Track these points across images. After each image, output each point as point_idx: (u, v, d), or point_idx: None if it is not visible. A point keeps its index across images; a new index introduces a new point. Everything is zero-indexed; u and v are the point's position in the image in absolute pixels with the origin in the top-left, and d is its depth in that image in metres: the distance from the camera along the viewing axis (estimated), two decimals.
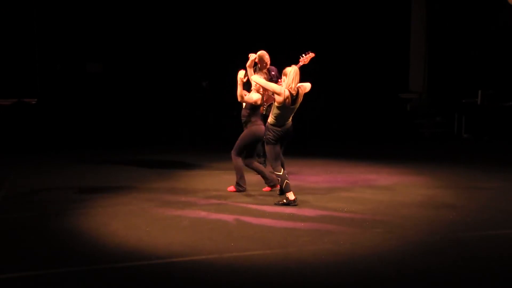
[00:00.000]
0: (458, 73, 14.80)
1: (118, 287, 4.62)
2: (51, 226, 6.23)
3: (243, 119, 7.67)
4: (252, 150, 7.75)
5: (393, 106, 14.96)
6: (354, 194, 7.77)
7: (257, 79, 7.14)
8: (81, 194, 7.75)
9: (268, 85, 7.01)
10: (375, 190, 8.03)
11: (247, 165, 7.77)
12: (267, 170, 7.86)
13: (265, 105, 7.80)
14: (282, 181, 7.01)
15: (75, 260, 5.12)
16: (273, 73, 8.30)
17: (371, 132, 13.99)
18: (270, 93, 7.17)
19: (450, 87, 14.91)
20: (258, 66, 8.18)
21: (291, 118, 7.01)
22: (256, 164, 7.83)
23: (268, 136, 7.00)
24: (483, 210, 6.90)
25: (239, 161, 7.70)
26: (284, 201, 7.04)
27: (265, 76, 7.47)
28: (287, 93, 6.76)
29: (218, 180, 8.69)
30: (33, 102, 13.59)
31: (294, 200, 7.00)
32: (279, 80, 7.36)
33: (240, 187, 7.80)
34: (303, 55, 8.02)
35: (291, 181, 7.25)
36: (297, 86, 6.83)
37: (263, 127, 7.37)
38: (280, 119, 6.91)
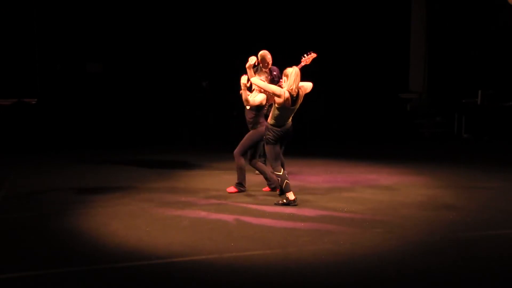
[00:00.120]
0: (458, 73, 14.80)
1: (118, 287, 4.62)
2: (51, 226, 6.23)
3: (250, 120, 7.59)
4: (256, 150, 7.74)
5: (393, 106, 14.95)
6: (354, 194, 7.78)
7: (257, 81, 7.08)
8: (81, 194, 7.76)
9: (268, 87, 6.97)
10: (375, 190, 8.03)
11: (251, 165, 7.76)
12: (270, 171, 7.84)
13: (266, 105, 7.79)
14: (282, 181, 7.01)
15: (75, 260, 5.12)
16: (274, 73, 8.27)
17: (371, 132, 13.99)
18: (270, 94, 7.16)
19: (450, 87, 14.90)
20: (259, 66, 8.14)
21: (291, 118, 7.01)
22: (260, 164, 7.80)
23: (268, 136, 7.00)
24: (483, 210, 6.90)
25: (242, 161, 7.69)
26: (284, 201, 7.04)
27: (266, 76, 7.45)
28: (287, 95, 6.75)
29: (218, 180, 8.69)
30: (33, 102, 13.59)
31: (294, 200, 7.00)
32: (281, 80, 7.35)
33: (242, 187, 7.78)
34: (305, 55, 7.99)
35: (291, 181, 7.25)
36: (298, 87, 6.83)
37: None
38: (280, 120, 6.91)
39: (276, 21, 14.38)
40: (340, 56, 14.73)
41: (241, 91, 7.28)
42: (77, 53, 14.38)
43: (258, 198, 7.51)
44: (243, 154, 7.68)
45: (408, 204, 7.15)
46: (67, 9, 14.11)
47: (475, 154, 11.93)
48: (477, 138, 13.64)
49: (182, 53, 14.52)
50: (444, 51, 15.18)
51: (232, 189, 7.79)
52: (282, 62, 7.93)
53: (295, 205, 6.97)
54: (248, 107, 7.54)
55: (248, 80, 7.23)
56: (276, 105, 6.85)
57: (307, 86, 7.04)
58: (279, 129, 6.93)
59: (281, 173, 7.02)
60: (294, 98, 6.82)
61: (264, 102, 7.45)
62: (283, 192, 7.13)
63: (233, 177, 8.25)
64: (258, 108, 7.49)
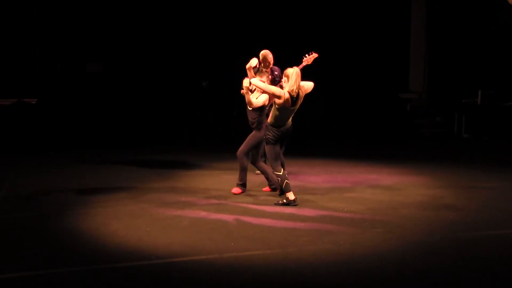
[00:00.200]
0: (458, 73, 14.79)
1: (118, 287, 4.62)
2: (51, 226, 6.23)
3: (253, 121, 7.56)
4: (258, 151, 7.72)
5: (393, 106, 14.95)
6: (354, 194, 7.78)
7: (257, 82, 7.01)
8: (81, 194, 7.76)
9: (268, 88, 6.94)
10: (375, 190, 8.03)
11: (254, 165, 7.76)
12: (271, 171, 7.82)
13: (268, 105, 7.78)
14: (282, 181, 7.01)
15: (75, 260, 5.12)
16: (276, 73, 8.24)
17: (371, 132, 13.98)
18: (270, 94, 7.14)
19: (450, 87, 14.90)
20: (260, 66, 8.10)
21: (291, 118, 7.01)
22: (262, 164, 7.78)
23: (268, 136, 7.00)
24: (483, 210, 6.90)
25: (245, 161, 7.67)
26: (284, 201, 7.04)
27: (267, 76, 7.43)
28: (287, 96, 6.75)
29: (218, 180, 8.69)
30: (33, 102, 13.59)
31: (294, 200, 7.00)
32: (282, 80, 7.33)
33: (244, 187, 7.77)
34: (306, 55, 7.96)
35: (291, 181, 7.25)
36: (298, 87, 6.82)
37: None
38: (279, 120, 6.91)
39: (276, 21, 14.38)
40: (340, 56, 14.73)
41: (242, 91, 7.27)
42: (77, 53, 14.38)
43: (258, 198, 7.51)
44: (247, 154, 7.65)
45: (408, 204, 7.15)
46: (67, 9, 14.12)
47: (475, 154, 11.92)
48: (477, 138, 13.64)
49: (182, 53, 14.52)
50: (444, 51, 15.18)
51: (237, 190, 7.75)
52: (282, 62, 7.92)
53: (295, 205, 6.97)
54: (250, 108, 7.52)
55: (251, 82, 7.21)
56: (276, 105, 6.85)
57: (309, 86, 7.03)
58: (279, 129, 6.93)
59: (281, 173, 7.02)
60: (294, 99, 6.81)
61: (267, 102, 7.44)
62: (283, 192, 7.13)
63: (233, 177, 8.26)
64: (260, 108, 7.47)
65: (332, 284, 4.61)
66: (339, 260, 5.12)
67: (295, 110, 6.96)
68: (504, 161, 10.55)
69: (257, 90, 7.41)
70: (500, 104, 13.57)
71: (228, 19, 14.51)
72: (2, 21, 13.85)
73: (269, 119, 6.99)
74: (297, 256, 5.23)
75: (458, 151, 12.54)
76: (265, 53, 8.08)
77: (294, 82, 6.75)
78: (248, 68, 7.59)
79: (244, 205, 7.11)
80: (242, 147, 7.61)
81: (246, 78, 7.24)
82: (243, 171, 7.70)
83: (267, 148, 7.07)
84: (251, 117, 7.59)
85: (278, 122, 6.92)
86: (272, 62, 8.15)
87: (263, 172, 7.75)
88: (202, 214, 6.68)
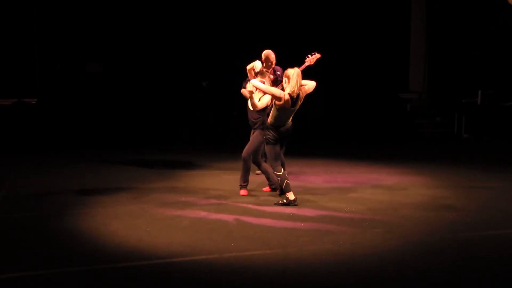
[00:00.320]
0: (458, 73, 14.79)
1: (118, 287, 4.62)
2: (51, 226, 6.23)
3: (255, 121, 7.54)
4: (259, 150, 7.71)
5: (393, 106, 14.95)
6: (354, 194, 7.78)
7: (257, 83, 6.94)
8: (81, 194, 7.75)
9: (268, 89, 6.90)
10: (375, 190, 8.03)
11: (256, 165, 7.75)
12: (272, 171, 7.80)
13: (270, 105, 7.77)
14: (282, 181, 7.01)
15: (75, 260, 5.12)
16: (278, 73, 8.19)
17: (371, 132, 13.99)
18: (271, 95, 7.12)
19: (450, 87, 14.90)
20: (263, 65, 8.04)
21: (291, 118, 7.00)
22: (264, 164, 7.76)
23: (268, 136, 6.99)
24: (483, 210, 6.90)
25: (250, 163, 7.65)
26: (284, 201, 7.04)
27: (268, 76, 7.40)
28: (287, 97, 6.74)
29: (218, 180, 8.69)
30: (33, 102, 13.59)
31: (294, 200, 7.00)
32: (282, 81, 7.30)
33: (245, 184, 7.72)
34: (309, 55, 7.94)
35: (291, 181, 7.25)
36: (299, 89, 6.81)
37: None
38: (279, 120, 6.90)
39: (276, 21, 14.38)
40: (340, 56, 14.72)
41: (242, 90, 7.24)
42: (77, 53, 14.38)
43: (258, 198, 7.51)
44: (251, 155, 7.61)
45: (408, 204, 7.15)
46: (67, 9, 14.12)
47: (475, 154, 11.93)
48: (477, 138, 13.64)
49: (182, 53, 14.52)
50: (444, 51, 15.17)
51: (244, 191, 7.68)
52: (283, 62, 7.91)
53: (295, 205, 6.97)
54: (252, 109, 7.50)
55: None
56: (276, 105, 6.84)
57: (311, 85, 7.01)
58: (279, 129, 6.93)
59: (281, 173, 7.02)
60: (294, 100, 6.80)
61: (269, 102, 7.42)
62: (283, 192, 7.13)
63: (233, 177, 8.28)
64: (263, 108, 7.46)
65: (332, 284, 4.61)
66: (339, 260, 5.12)
67: (295, 110, 6.96)
68: (504, 161, 10.55)
69: (258, 91, 7.40)
70: (500, 104, 13.57)
71: (228, 19, 14.51)
72: (2, 21, 13.85)
73: (269, 119, 6.99)
74: (297, 256, 5.23)
75: (458, 151, 12.55)
76: (268, 53, 8.05)
77: (295, 83, 6.74)
78: (249, 70, 7.55)
79: (244, 205, 7.11)
80: (247, 148, 7.56)
81: (249, 82, 7.21)
82: (247, 172, 7.68)
83: (267, 148, 7.07)
84: (253, 117, 7.57)
85: (278, 122, 6.91)
86: (274, 62, 8.10)
87: (264, 172, 7.74)
88: (202, 214, 6.68)
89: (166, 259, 5.14)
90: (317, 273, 4.80)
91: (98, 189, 8.10)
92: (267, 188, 7.87)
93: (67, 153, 11.89)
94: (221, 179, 8.76)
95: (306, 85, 6.98)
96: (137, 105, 13.95)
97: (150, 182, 8.59)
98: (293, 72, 6.78)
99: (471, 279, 4.72)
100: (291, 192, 7.02)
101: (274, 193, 7.64)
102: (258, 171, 8.66)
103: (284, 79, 6.84)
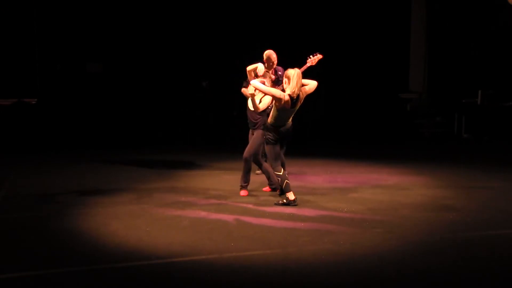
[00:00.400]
0: (458, 73, 14.80)
1: (118, 287, 4.62)
2: (51, 226, 6.23)
3: (255, 122, 7.53)
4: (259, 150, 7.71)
5: (393, 106, 14.96)
6: (354, 194, 7.78)
7: (257, 84, 6.91)
8: (81, 194, 7.75)
9: (268, 90, 6.88)
10: (375, 190, 8.03)
11: (256, 164, 7.75)
12: (272, 171, 7.79)
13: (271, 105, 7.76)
14: (282, 181, 7.01)
15: (75, 260, 5.12)
16: (279, 73, 8.18)
17: (371, 132, 13.99)
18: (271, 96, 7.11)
19: (450, 87, 14.90)
20: (264, 66, 8.01)
21: (291, 118, 7.00)
22: (265, 164, 7.76)
23: (268, 136, 6.99)
24: (483, 210, 6.90)
25: (251, 162, 7.63)
26: (284, 201, 7.04)
27: (269, 76, 7.39)
28: (287, 98, 6.73)
29: (218, 180, 8.69)
30: (33, 102, 13.60)
31: (294, 200, 7.00)
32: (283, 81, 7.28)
33: (246, 184, 7.72)
34: (311, 56, 7.92)
35: (291, 181, 7.25)
36: (299, 89, 6.80)
37: None
38: (279, 120, 6.90)
39: (276, 21, 14.38)
40: (341, 56, 14.73)
41: (243, 89, 7.22)
42: (77, 53, 14.39)
43: (258, 198, 7.51)
44: (253, 155, 7.60)
45: (408, 204, 7.15)
46: (67, 9, 14.12)
47: (475, 154, 11.93)
48: (477, 138, 13.64)
49: (182, 53, 14.52)
50: (444, 51, 15.18)
51: (245, 192, 7.68)
52: (282, 62, 7.90)
53: (295, 205, 6.97)
54: (252, 108, 7.49)
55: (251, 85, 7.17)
56: (275, 106, 6.84)
57: (312, 85, 6.99)
58: (279, 129, 6.93)
59: (281, 173, 7.02)
60: (294, 100, 6.80)
61: (270, 104, 7.40)
62: (283, 192, 7.13)
63: (233, 177, 8.27)
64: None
65: (332, 284, 4.61)
66: (339, 260, 5.12)
67: (295, 111, 6.95)
68: (504, 161, 10.55)
69: (258, 91, 7.39)
70: (500, 104, 13.57)
71: (228, 19, 14.51)
72: (2, 21, 13.85)
73: (269, 119, 6.98)
74: (297, 256, 5.23)
75: (458, 151, 12.55)
76: (269, 53, 8.02)
77: (296, 84, 6.73)
78: (249, 71, 7.50)
79: (244, 205, 7.11)
80: (248, 148, 7.56)
81: (250, 86, 7.18)
82: (248, 173, 7.67)
83: (267, 148, 7.07)
84: (253, 117, 7.57)
85: (278, 122, 6.91)
86: (276, 62, 8.07)
87: (265, 172, 7.73)
88: (202, 214, 6.68)
89: (166, 259, 5.14)
90: (317, 273, 4.80)
91: (98, 189, 8.10)
92: (267, 188, 7.87)
93: (67, 153, 11.89)
94: (221, 179, 8.76)
95: (307, 85, 6.98)
96: (137, 105, 13.95)
97: (150, 182, 8.59)
98: (294, 73, 6.77)
99: (471, 279, 4.72)
100: (291, 192, 7.02)
101: (274, 193, 7.64)
102: (258, 171, 8.67)
103: (285, 79, 6.84)
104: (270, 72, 7.77)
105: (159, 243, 5.56)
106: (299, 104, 6.90)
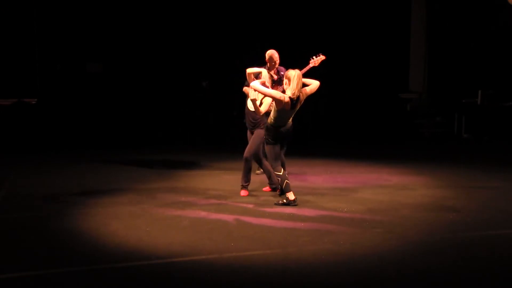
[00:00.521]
0: (458, 73, 14.80)
1: (118, 287, 4.62)
2: (51, 226, 6.23)
3: (255, 122, 7.52)
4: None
5: (393, 106, 14.96)
6: (354, 194, 7.77)
7: (257, 86, 6.88)
8: (81, 194, 7.75)
9: (268, 91, 6.84)
10: (375, 190, 8.03)
11: (258, 164, 7.73)
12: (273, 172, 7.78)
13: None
14: (282, 181, 7.01)
15: (75, 260, 5.12)
16: (282, 73, 8.15)
17: (371, 132, 13.99)
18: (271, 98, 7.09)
19: (450, 87, 14.90)
20: (266, 66, 7.99)
21: (291, 118, 7.00)
22: (266, 163, 7.74)
23: (268, 136, 6.99)
24: (483, 210, 6.90)
25: (251, 162, 7.63)
26: (284, 201, 7.04)
27: (269, 77, 7.37)
28: (287, 99, 6.73)
29: (218, 180, 8.69)
30: (33, 102, 13.60)
31: (294, 200, 7.00)
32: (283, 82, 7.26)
33: (246, 184, 7.71)
34: (314, 57, 7.90)
35: (291, 181, 7.25)
36: (299, 91, 6.79)
37: None
38: (279, 120, 6.89)
39: (276, 21, 14.38)
40: (341, 56, 14.72)
41: (244, 89, 7.20)
42: (77, 53, 14.39)
43: (258, 198, 7.51)
44: (253, 155, 7.59)
45: (408, 204, 7.15)
46: (67, 9, 14.12)
47: (475, 154, 11.93)
48: (477, 138, 13.64)
49: (182, 53, 14.52)
50: (444, 51, 15.18)
51: (245, 192, 7.67)
52: (282, 62, 7.90)
53: (295, 205, 6.97)
54: (251, 108, 7.48)
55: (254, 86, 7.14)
56: (275, 107, 6.83)
57: (314, 86, 6.98)
58: (279, 129, 6.92)
59: (281, 173, 7.02)
60: (294, 102, 6.79)
61: (271, 105, 7.38)
62: (283, 192, 7.13)
63: (233, 177, 8.27)
64: None
65: (332, 284, 4.61)
66: (339, 260, 5.12)
67: (295, 111, 6.95)
68: (504, 161, 10.55)
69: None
70: (500, 104, 13.57)
71: (228, 19, 14.51)
72: (2, 21, 13.85)
73: (269, 120, 6.98)
74: (297, 256, 5.23)
75: (458, 151, 12.55)
76: (271, 52, 7.97)
77: (296, 85, 6.73)
78: (248, 74, 7.46)
79: (244, 205, 7.11)
80: (249, 148, 7.55)
81: (251, 91, 7.13)
82: (249, 173, 7.67)
83: (267, 148, 7.06)
84: (253, 118, 7.56)
85: (278, 122, 6.91)
86: (278, 62, 8.04)
87: (265, 171, 7.73)
88: (202, 214, 6.68)
89: (166, 259, 5.14)
90: (317, 273, 4.80)
91: (98, 189, 8.10)
92: (267, 188, 7.87)
93: (67, 153, 11.89)
94: (221, 179, 8.76)
95: (309, 85, 6.97)
96: (137, 105, 13.94)
97: (150, 182, 8.59)
98: (294, 74, 6.75)
99: (471, 279, 4.72)
100: (291, 192, 7.02)
101: (274, 193, 7.64)
102: (258, 171, 8.67)
103: (285, 80, 6.83)
104: (272, 72, 7.76)
105: (159, 243, 5.56)
106: (299, 105, 6.90)
